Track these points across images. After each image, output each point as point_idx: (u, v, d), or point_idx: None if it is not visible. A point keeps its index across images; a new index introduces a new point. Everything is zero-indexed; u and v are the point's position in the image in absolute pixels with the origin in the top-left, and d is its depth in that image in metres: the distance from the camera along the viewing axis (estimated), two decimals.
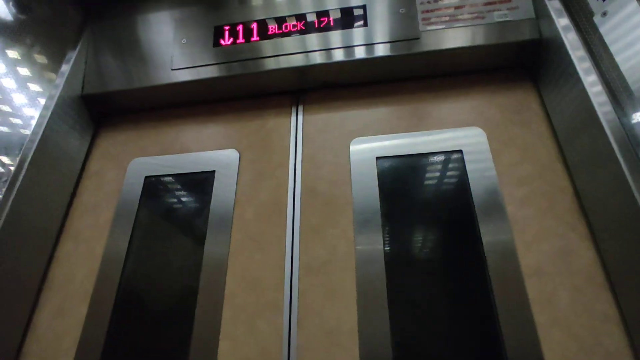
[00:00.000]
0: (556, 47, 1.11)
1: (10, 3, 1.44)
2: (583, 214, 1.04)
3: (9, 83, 1.28)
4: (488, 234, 1.04)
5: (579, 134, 1.02)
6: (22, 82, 1.31)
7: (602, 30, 1.03)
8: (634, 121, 0.90)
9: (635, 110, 0.90)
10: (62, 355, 1.07)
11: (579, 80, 1.01)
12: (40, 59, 1.39)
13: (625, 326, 0.90)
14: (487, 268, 1.00)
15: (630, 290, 0.88)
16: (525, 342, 0.91)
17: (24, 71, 1.33)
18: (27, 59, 1.36)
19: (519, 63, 1.27)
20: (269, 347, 1.00)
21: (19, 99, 1.26)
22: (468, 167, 1.14)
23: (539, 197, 1.08)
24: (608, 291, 0.94)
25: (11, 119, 1.24)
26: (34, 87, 1.31)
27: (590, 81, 0.99)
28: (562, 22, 1.10)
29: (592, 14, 1.03)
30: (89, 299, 1.14)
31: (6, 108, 1.25)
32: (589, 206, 1.01)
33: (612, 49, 1.00)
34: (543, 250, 1.01)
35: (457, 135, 1.20)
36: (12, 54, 1.35)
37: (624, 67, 0.95)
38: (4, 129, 1.22)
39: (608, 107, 0.94)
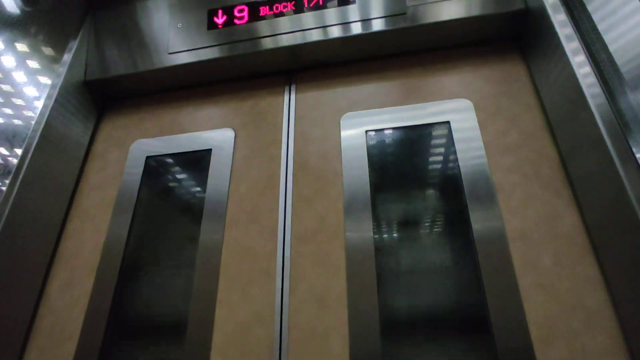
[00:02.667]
0: (541, 17, 1.12)
1: None
2: (568, 181, 1.05)
3: (17, 75, 1.35)
4: (474, 201, 1.06)
5: (568, 114, 1.03)
6: (27, 73, 1.37)
7: (590, 6, 1.03)
8: (623, 104, 0.89)
9: (625, 94, 0.89)
10: (72, 323, 1.14)
11: (567, 59, 1.01)
12: (45, 49, 1.46)
13: (607, 286, 0.91)
14: (473, 233, 1.02)
15: (611, 251, 0.89)
16: (508, 303, 0.94)
17: (32, 63, 1.40)
18: (32, 50, 1.42)
19: (507, 35, 1.28)
20: (262, 312, 1.05)
21: (24, 89, 1.33)
22: (455, 137, 1.16)
23: (525, 164, 1.09)
24: (591, 253, 0.96)
25: (17, 110, 1.30)
26: (39, 77, 1.38)
27: (579, 62, 0.99)
28: None
29: None
30: (95, 271, 1.21)
31: (12, 98, 1.32)
32: (576, 180, 1.02)
33: (601, 27, 0.99)
34: (528, 215, 1.03)
35: (445, 107, 1.22)
36: (19, 46, 1.42)
37: (612, 47, 0.95)
38: (9, 120, 1.28)
39: (597, 89, 0.94)
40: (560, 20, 1.07)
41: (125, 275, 1.20)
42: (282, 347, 1.00)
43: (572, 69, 1.00)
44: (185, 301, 1.11)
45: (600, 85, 0.94)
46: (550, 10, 1.09)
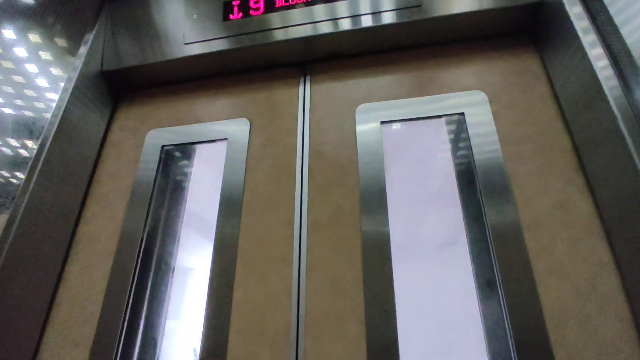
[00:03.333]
0: (557, 10, 1.13)
1: None
2: (582, 170, 1.06)
3: (31, 67, 1.37)
4: (488, 190, 1.08)
5: (584, 105, 1.04)
6: (44, 63, 1.40)
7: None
8: (639, 96, 0.90)
9: None
10: (91, 305, 1.17)
11: (584, 52, 1.02)
12: (62, 40, 1.48)
13: (619, 272, 0.93)
14: (487, 221, 1.04)
15: (624, 238, 0.91)
16: (523, 288, 0.95)
17: (49, 54, 1.42)
18: (50, 41, 1.45)
19: (521, 27, 1.29)
20: (279, 296, 1.07)
21: (42, 79, 1.35)
22: (470, 128, 1.18)
23: (539, 154, 1.11)
24: (604, 240, 0.97)
25: (37, 100, 1.33)
26: (57, 67, 1.40)
27: (596, 54, 1.00)
28: None
29: None
30: (113, 255, 1.23)
31: (32, 89, 1.34)
32: (590, 168, 1.03)
33: (617, 19, 1.01)
34: (541, 203, 1.05)
35: (459, 98, 1.23)
36: (34, 37, 1.45)
37: (629, 40, 0.96)
38: (29, 109, 1.31)
39: (614, 82, 0.95)
40: (576, 13, 1.08)
41: (144, 260, 1.22)
42: (299, 330, 1.02)
43: (589, 61, 1.01)
44: (203, 284, 1.13)
45: (617, 77, 0.96)
46: (566, 3, 1.10)
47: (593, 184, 1.02)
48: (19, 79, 1.36)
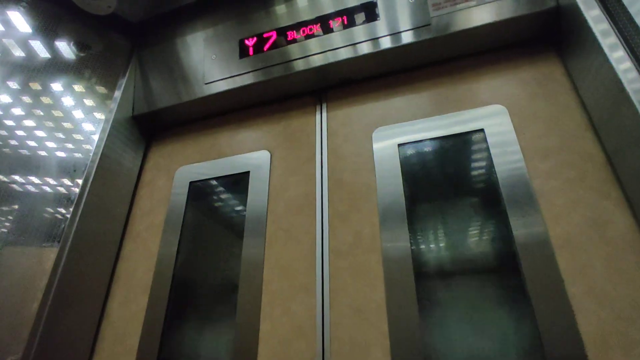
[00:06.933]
0: (574, 14, 1.09)
1: (72, 44, 1.69)
2: (617, 182, 0.99)
3: (76, 112, 1.50)
4: (514, 209, 1.03)
5: (611, 111, 0.98)
6: (85, 110, 1.53)
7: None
8: None
9: None
10: (131, 337, 1.24)
11: (604, 55, 0.97)
12: (98, 88, 1.61)
13: None
14: (514, 242, 0.99)
15: None
16: (557, 313, 0.90)
17: (88, 101, 1.55)
18: (87, 90, 1.58)
19: (539, 35, 1.24)
20: (304, 326, 1.08)
21: (83, 125, 1.48)
22: (491, 145, 1.14)
23: (567, 168, 1.05)
24: None
25: (76, 145, 1.45)
26: (94, 114, 1.53)
27: (617, 57, 0.95)
28: None
29: None
30: (149, 289, 1.30)
31: (73, 135, 1.47)
32: (625, 180, 0.97)
33: (639, 19, 0.95)
34: (573, 221, 0.98)
35: (478, 114, 1.20)
36: (77, 87, 1.59)
37: None
38: (71, 153, 1.43)
39: (639, 84, 0.90)
40: (594, 16, 1.03)
41: (176, 291, 1.28)
42: None
43: (611, 65, 0.96)
44: (231, 316, 1.16)
45: None
46: (582, 7, 1.06)
47: (631, 197, 0.95)
48: (50, 124, 1.48)
